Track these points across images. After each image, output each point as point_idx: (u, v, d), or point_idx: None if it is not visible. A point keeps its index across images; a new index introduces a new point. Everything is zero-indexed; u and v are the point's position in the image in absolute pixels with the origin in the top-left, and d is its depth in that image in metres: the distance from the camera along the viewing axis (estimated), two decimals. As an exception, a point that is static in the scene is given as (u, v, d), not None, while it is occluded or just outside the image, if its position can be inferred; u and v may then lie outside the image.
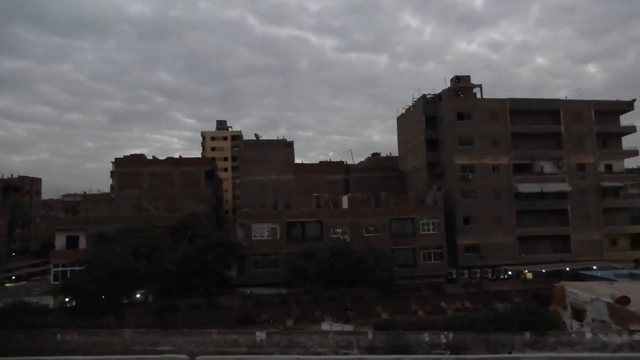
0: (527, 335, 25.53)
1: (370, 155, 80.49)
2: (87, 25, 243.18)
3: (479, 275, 49.88)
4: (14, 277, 74.31)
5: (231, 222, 68.35)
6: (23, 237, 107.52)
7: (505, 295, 44.19)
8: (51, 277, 43.27)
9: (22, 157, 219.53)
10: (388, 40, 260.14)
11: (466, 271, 49.79)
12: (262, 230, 45.72)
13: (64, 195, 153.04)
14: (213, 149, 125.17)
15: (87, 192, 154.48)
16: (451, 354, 26.12)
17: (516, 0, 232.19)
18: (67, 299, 42.35)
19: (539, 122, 53.62)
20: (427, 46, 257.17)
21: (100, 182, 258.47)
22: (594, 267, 48.30)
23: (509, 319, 26.18)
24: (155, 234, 37.51)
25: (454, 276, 49.34)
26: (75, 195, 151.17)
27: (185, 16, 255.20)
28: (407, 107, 63.27)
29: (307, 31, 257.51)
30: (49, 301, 41.96)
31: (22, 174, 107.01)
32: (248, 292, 41.38)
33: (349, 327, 28.49)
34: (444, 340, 26.19)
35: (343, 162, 64.32)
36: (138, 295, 42.30)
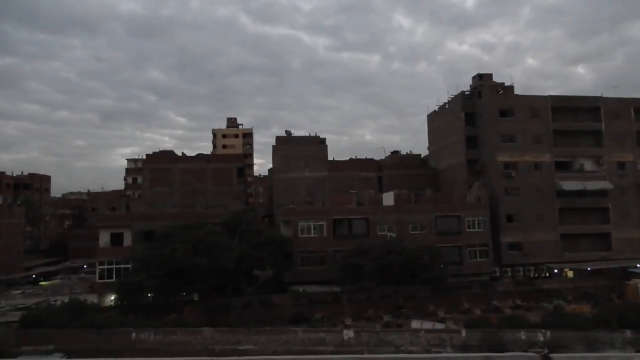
0: (628, 333, 25.09)
1: (390, 154, 79.97)
2: (77, 23, 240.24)
3: (521, 273, 49.52)
4: (34, 276, 72.77)
5: (260, 219, 67.38)
6: (33, 235, 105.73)
7: (556, 293, 43.91)
8: (96, 275, 42.12)
9: (11, 155, 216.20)
10: (380, 40, 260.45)
11: (509, 269, 49.39)
12: (308, 228, 44.92)
13: (68, 194, 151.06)
14: (224, 146, 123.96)
15: (91, 190, 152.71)
16: (549, 352, 25.46)
17: (507, 1, 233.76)
18: (113, 298, 41.38)
19: (577, 120, 53.38)
20: (419, 46, 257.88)
21: (91, 180, 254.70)
22: (638, 265, 48.24)
23: (608, 317, 25.64)
24: (214, 231, 36.59)
25: (497, 274, 48.92)
26: (80, 193, 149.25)
27: (177, 14, 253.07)
28: (441, 104, 62.89)
29: (299, 30, 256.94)
30: (93, 300, 40.89)
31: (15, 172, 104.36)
32: (301, 290, 40.57)
33: (440, 325, 27.84)
34: (542, 339, 25.65)
35: (375, 159, 63.71)
36: (184, 294, 41.40)
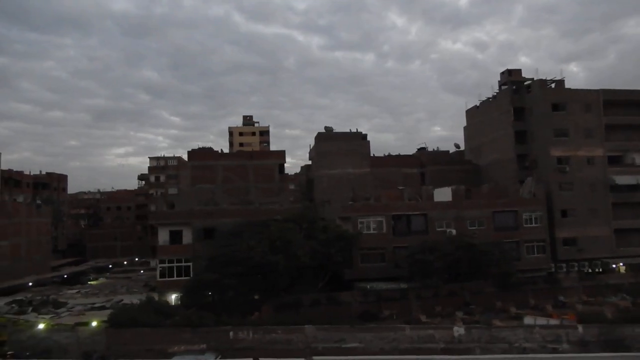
0: None
1: (417, 150, 79.42)
2: (69, 22, 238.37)
3: (576, 268, 49.13)
4: (65, 276, 71.62)
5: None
6: (52, 235, 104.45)
7: (620, 288, 43.50)
8: (158, 273, 41.21)
9: (2, 155, 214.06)
10: (374, 39, 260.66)
11: (564, 264, 48.99)
12: (367, 224, 44.28)
13: (80, 193, 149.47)
14: (241, 144, 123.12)
15: (101, 190, 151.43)
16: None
17: (500, 0, 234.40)
18: (174, 296, 40.59)
19: (628, 114, 53.00)
20: (413, 45, 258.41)
21: (84, 180, 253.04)
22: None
23: None
24: (288, 227, 35.85)
25: (552, 269, 48.48)
26: (94, 192, 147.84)
27: (170, 13, 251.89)
28: (482, 100, 62.40)
29: (293, 29, 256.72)
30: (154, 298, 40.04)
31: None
32: (368, 286, 39.92)
33: (554, 321, 27.27)
34: (663, 334, 25.04)
35: (417, 155, 63.13)
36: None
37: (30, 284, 63.46)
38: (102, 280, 54.09)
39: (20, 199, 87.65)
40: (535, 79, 67.61)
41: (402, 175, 59.97)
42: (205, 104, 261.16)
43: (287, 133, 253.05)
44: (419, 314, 37.62)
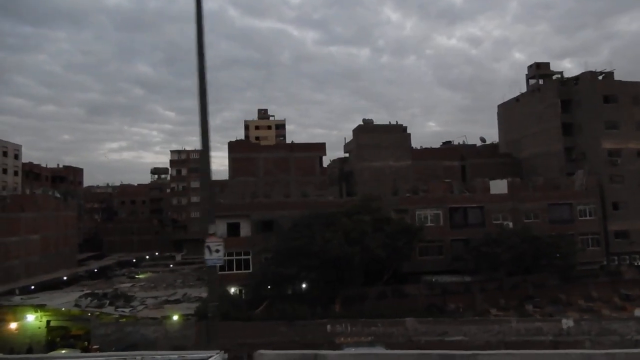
0: None
1: (442, 145, 78.92)
2: (62, 15, 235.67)
3: (627, 262, 48.89)
4: (96, 270, 70.67)
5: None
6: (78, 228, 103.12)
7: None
8: (217, 267, 40.33)
9: None
10: (369, 34, 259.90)
11: (616, 257, 48.73)
12: (425, 216, 43.75)
13: (93, 187, 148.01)
14: (257, 138, 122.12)
15: (110, 184, 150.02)
16: None
17: None
18: (233, 289, 39.95)
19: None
20: (408, 40, 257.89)
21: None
22: None
23: None
24: (362, 220, 35.18)
25: (605, 263, 48.21)
26: (104, 186, 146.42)
27: (164, 7, 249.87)
28: (520, 93, 61.93)
29: (288, 24, 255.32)
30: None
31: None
32: (433, 279, 39.45)
33: None
34: None
35: (459, 148, 62.61)
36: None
37: (65, 277, 62.54)
38: (149, 274, 53.15)
39: (39, 192, 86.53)
40: (564, 73, 67.60)
41: (442, 168, 59.35)
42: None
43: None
44: (487, 307, 37.25)
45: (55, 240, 69.09)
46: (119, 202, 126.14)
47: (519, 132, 61.58)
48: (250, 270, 40.69)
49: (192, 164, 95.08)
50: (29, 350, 25.45)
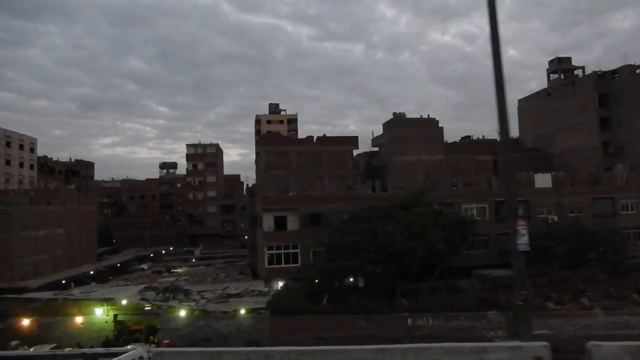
0: None
1: (461, 140, 78.62)
2: (54, 9, 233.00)
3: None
4: (119, 265, 69.78)
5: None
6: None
7: None
8: (266, 260, 39.80)
9: None
10: (364, 30, 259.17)
11: (655, 252, 48.55)
12: (471, 210, 43.35)
13: (101, 182, 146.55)
14: (269, 132, 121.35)
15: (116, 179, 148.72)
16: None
17: None
18: (281, 284, 39.33)
19: None
20: (403, 36, 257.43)
21: None
22: None
23: None
24: (423, 212, 34.69)
25: (644, 257, 48.05)
26: (111, 181, 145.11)
27: (157, 2, 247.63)
28: (543, 88, 61.69)
29: (282, 19, 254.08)
30: (260, 286, 38.76)
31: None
32: (485, 273, 39.06)
33: None
34: None
35: (491, 142, 62.19)
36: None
37: (92, 272, 61.65)
38: (186, 268, 52.29)
39: (53, 185, 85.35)
40: (585, 68, 67.29)
41: (475, 162, 59.01)
42: (194, 95, 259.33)
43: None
44: (542, 301, 36.90)
45: (78, 234, 68.11)
46: (128, 196, 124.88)
47: (550, 126, 61.30)
48: (299, 264, 40.18)
49: (208, 158, 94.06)
50: (107, 344, 24.76)
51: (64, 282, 54.46)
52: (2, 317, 27.56)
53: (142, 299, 29.23)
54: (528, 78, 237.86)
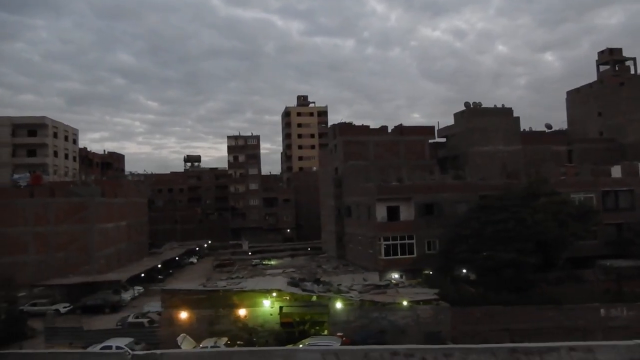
0: None
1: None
2: (40, 2, 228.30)
3: None
4: (178, 258, 68.06)
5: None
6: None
7: None
8: (382, 252, 38.64)
9: None
10: (354, 25, 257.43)
11: None
12: (579, 200, 42.51)
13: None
14: (299, 125, 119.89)
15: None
16: None
17: None
18: (397, 275, 38.24)
19: None
20: (393, 32, 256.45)
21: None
22: None
23: None
24: (565, 200, 33.75)
25: None
26: (138, 175, 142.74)
27: None
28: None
29: (272, 14, 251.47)
30: (374, 277, 37.58)
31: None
32: (608, 264, 38.30)
33: None
34: None
35: (566, 132, 61.61)
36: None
37: (160, 265, 60.06)
38: (275, 261, 50.82)
39: (91, 178, 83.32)
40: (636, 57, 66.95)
41: (551, 152, 58.31)
42: (183, 89, 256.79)
43: (267, 119, 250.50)
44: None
45: (135, 227, 66.43)
46: (155, 190, 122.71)
47: (620, 116, 60.77)
48: (414, 255, 39.16)
49: (249, 150, 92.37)
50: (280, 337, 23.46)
51: (142, 275, 52.99)
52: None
53: (304, 290, 27.91)
54: (518, 74, 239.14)
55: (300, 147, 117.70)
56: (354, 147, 54.65)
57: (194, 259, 76.59)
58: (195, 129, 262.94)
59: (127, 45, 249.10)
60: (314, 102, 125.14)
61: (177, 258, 68.64)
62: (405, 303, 27.28)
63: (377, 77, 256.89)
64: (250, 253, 72.62)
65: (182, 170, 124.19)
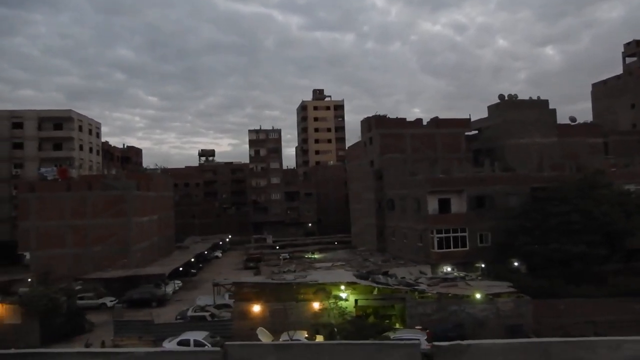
0: None
1: None
2: None
3: None
4: (206, 252, 67.68)
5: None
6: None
7: None
8: (435, 244, 38.15)
9: None
10: (354, 20, 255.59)
11: None
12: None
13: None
14: (316, 119, 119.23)
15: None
16: None
17: None
18: (449, 269, 37.80)
19: None
20: (393, 26, 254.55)
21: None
22: None
23: None
24: (628, 192, 33.23)
25: None
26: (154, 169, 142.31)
27: None
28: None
29: (272, 8, 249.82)
30: (427, 270, 37.12)
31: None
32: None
33: None
34: None
35: (601, 125, 61.00)
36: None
37: (193, 259, 59.70)
38: (322, 254, 50.28)
39: (113, 171, 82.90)
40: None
41: (587, 145, 57.70)
42: (183, 85, 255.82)
43: (267, 114, 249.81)
44: None
45: (165, 221, 66.05)
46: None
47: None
48: (467, 248, 38.70)
49: (271, 144, 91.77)
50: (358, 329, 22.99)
51: (181, 269, 52.61)
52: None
53: (378, 282, 27.44)
54: (518, 68, 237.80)
55: (316, 141, 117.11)
56: (390, 140, 54.13)
57: (218, 253, 76.28)
58: (195, 124, 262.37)
59: (126, 40, 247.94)
60: (329, 96, 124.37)
61: (205, 252, 68.29)
62: (478, 296, 26.81)
63: (377, 71, 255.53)
64: (277, 247, 72.14)
65: (185, 166, 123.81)
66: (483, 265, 38.06)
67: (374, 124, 54.85)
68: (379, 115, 56.81)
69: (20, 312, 27.60)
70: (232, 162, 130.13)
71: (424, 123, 57.01)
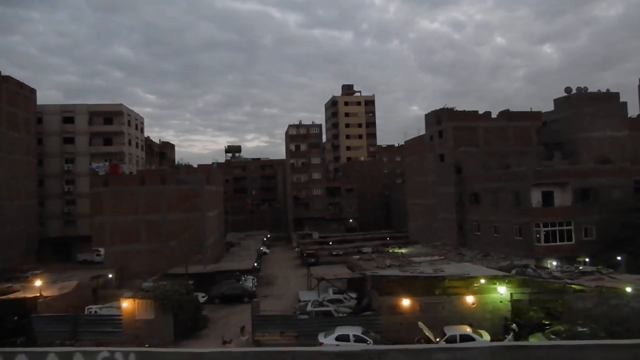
0: None
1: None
2: None
3: None
4: (262, 248, 66.71)
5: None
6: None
7: None
8: (541, 238, 37.21)
9: None
10: (352, 17, 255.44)
11: None
12: None
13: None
14: (347, 114, 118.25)
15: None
16: None
17: None
18: (554, 263, 36.87)
19: None
20: (391, 24, 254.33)
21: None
22: None
23: None
24: None
25: None
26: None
27: None
28: None
29: (269, 6, 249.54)
30: (530, 264, 36.18)
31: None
32: None
33: None
34: None
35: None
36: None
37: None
38: (408, 249, 49.24)
39: (153, 167, 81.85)
40: None
41: (657, 138, 56.84)
42: (181, 82, 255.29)
43: (265, 112, 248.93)
44: None
45: (220, 216, 64.99)
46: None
47: None
48: (573, 242, 37.77)
49: (312, 139, 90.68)
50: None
51: (255, 264, 51.64)
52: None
53: (529, 276, 26.53)
54: (517, 66, 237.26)
55: (347, 136, 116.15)
56: (463, 132, 53.17)
57: (265, 250, 75.28)
58: (194, 122, 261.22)
59: (123, 38, 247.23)
60: (359, 92, 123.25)
61: (261, 249, 67.30)
62: (629, 289, 25.88)
63: (375, 69, 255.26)
64: (330, 243, 71.23)
65: (211, 162, 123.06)
66: (587, 260, 37.22)
67: (446, 117, 53.80)
68: (449, 108, 55.73)
69: (154, 308, 26.57)
70: (259, 159, 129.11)
71: (493, 116, 56.04)
